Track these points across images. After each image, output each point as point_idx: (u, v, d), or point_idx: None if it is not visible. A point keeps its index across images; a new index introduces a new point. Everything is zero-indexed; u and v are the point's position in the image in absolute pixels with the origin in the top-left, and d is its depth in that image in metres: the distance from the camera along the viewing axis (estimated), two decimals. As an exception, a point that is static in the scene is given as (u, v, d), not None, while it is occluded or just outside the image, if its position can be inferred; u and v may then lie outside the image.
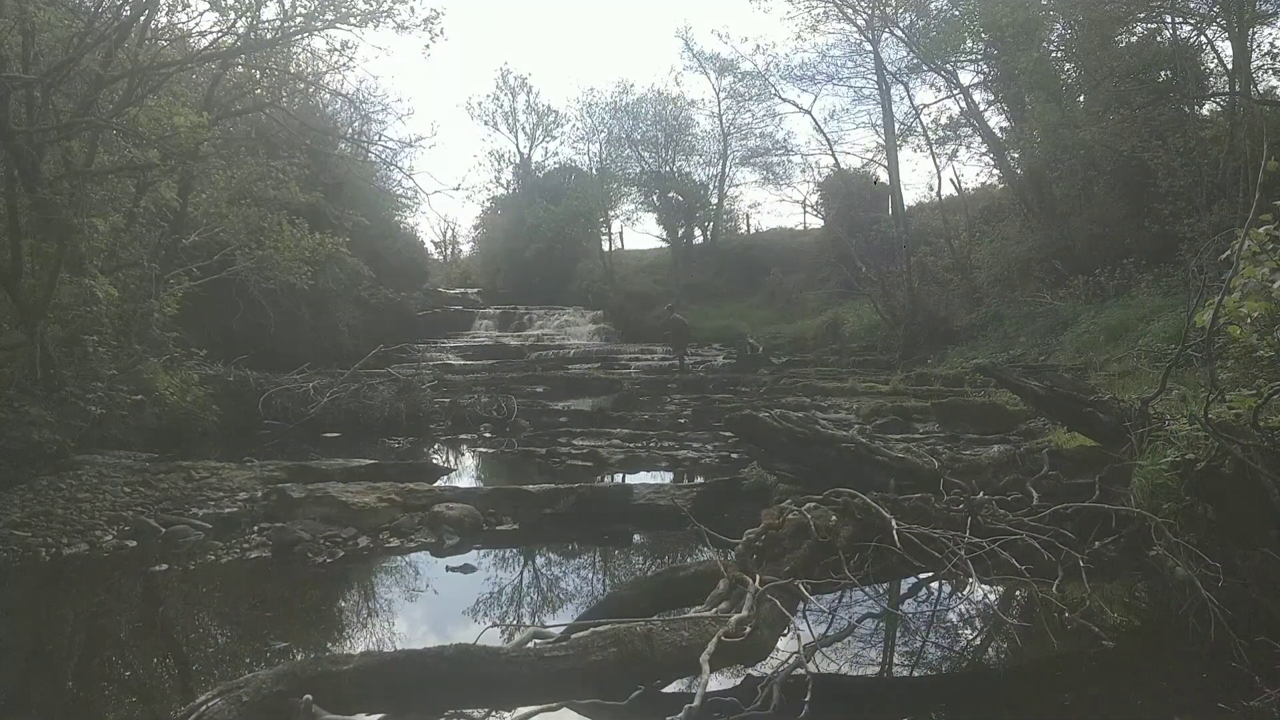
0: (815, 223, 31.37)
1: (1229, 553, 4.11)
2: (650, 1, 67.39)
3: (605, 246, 32.60)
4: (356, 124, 22.35)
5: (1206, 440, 4.33)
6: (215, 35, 11.23)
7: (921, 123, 22.59)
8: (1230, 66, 16.06)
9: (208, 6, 10.49)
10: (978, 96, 22.03)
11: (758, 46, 35.29)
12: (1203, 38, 16.95)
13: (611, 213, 33.05)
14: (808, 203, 31.47)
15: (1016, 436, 9.39)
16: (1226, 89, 16.00)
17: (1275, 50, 17.61)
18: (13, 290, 8.53)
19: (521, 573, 6.01)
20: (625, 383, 17.67)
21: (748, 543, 4.17)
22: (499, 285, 34.80)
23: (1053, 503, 4.60)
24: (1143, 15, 17.21)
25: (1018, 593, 4.80)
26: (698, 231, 33.85)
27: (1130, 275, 15.53)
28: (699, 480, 8.41)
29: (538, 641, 3.43)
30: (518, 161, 38.43)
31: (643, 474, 9.34)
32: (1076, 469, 5.15)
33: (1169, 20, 16.88)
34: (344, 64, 12.62)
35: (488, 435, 12.45)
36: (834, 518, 4.34)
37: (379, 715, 3.16)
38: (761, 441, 5.97)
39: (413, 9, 10.98)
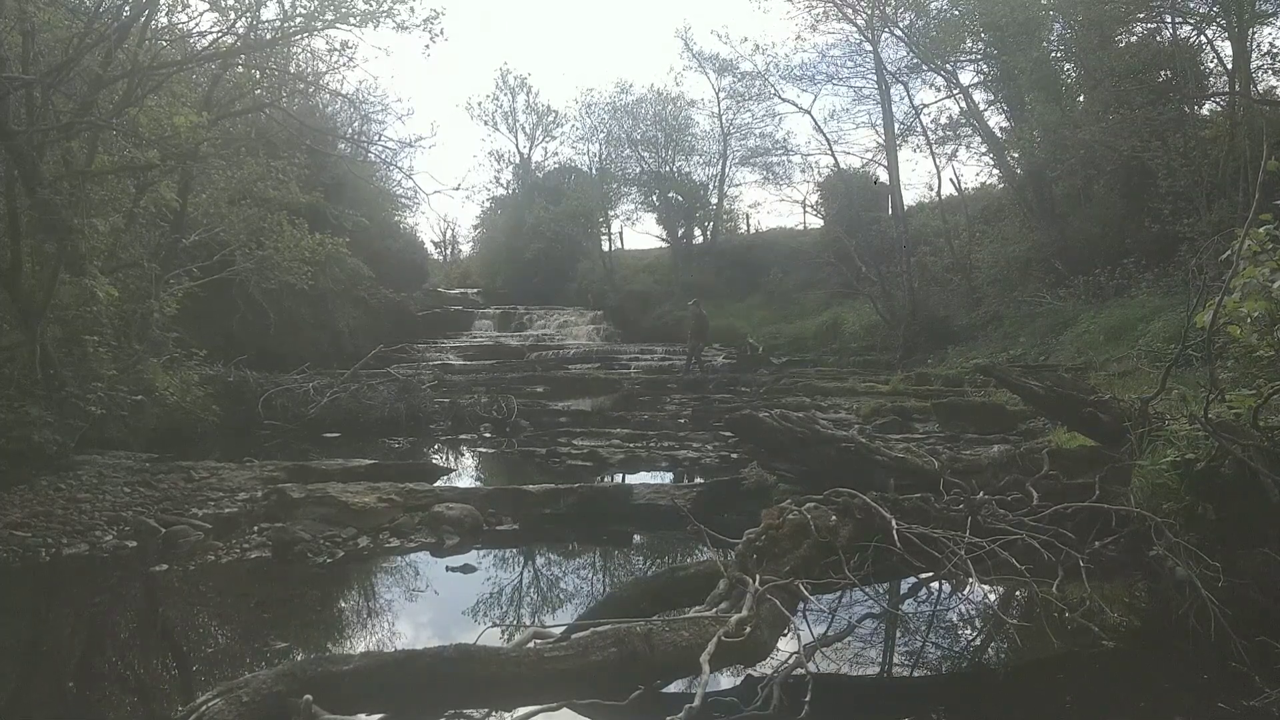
0: (815, 223, 31.36)
1: (1229, 553, 4.11)
2: (650, 1, 67.41)
3: (605, 246, 32.57)
4: (356, 124, 22.40)
5: (1206, 440, 4.33)
6: (215, 35, 11.20)
7: (921, 123, 22.62)
8: (1230, 66, 16.09)
9: (208, 6, 10.46)
10: (978, 96, 22.06)
11: (757, 46, 34.88)
12: (1203, 38, 16.98)
13: (611, 213, 33.01)
14: (808, 203, 31.51)
15: (1016, 436, 9.38)
16: (1226, 89, 16.01)
17: (1275, 50, 17.63)
18: (13, 290, 8.52)
19: (521, 573, 6.01)
20: (625, 383, 17.66)
21: (748, 543, 4.17)
22: (499, 285, 34.79)
23: (1053, 503, 4.60)
24: (1142, 15, 17.23)
25: (1018, 593, 4.80)
26: (698, 231, 33.80)
27: (1130, 275, 15.55)
28: (699, 480, 8.39)
29: (538, 641, 3.43)
30: (517, 161, 38.48)
31: (643, 474, 9.32)
32: (1076, 469, 5.15)
33: (1169, 20, 16.91)
34: (344, 64, 12.61)
35: (488, 435, 12.44)
36: (834, 518, 4.34)
37: (379, 715, 3.16)
38: (761, 441, 5.97)
39: (413, 9, 10.92)
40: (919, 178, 72.81)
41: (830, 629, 4.30)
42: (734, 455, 9.44)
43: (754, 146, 31.39)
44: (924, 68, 21.94)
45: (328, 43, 11.99)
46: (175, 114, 8.99)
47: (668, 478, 9.27)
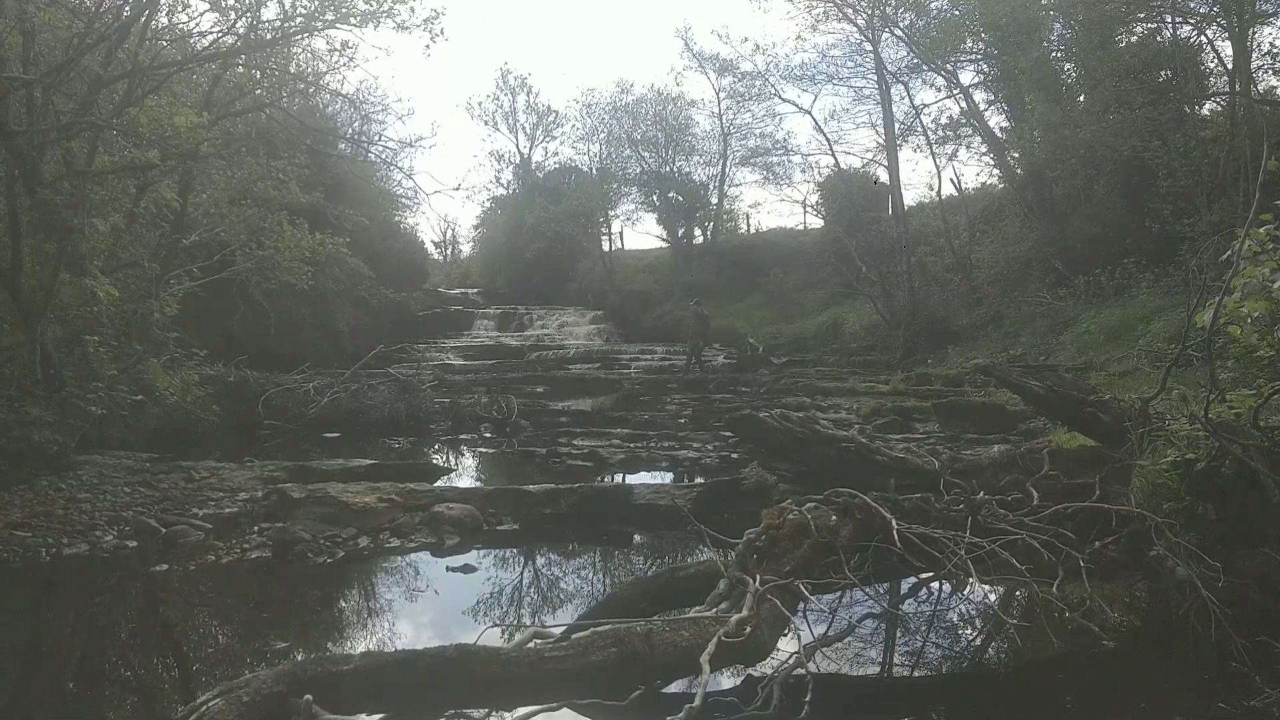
0: (815, 223, 31.40)
1: (1229, 553, 4.11)
2: (650, 1, 67.45)
3: (605, 246, 32.58)
4: (356, 124, 22.40)
5: (1206, 440, 4.32)
6: (215, 35, 11.20)
7: (922, 122, 22.64)
8: (1230, 66, 16.09)
9: (208, 7, 10.46)
10: (978, 96, 22.07)
11: (758, 46, 34.90)
12: (1203, 38, 16.99)
13: (611, 213, 33.03)
14: (808, 203, 31.54)
15: (1016, 436, 9.38)
16: (1226, 89, 16.02)
17: (1275, 50, 17.63)
18: (13, 290, 8.52)
19: (522, 573, 6.01)
20: (625, 383, 17.66)
21: (748, 543, 4.16)
22: (499, 285, 34.81)
23: (1053, 503, 4.60)
24: (1143, 15, 17.23)
25: (1018, 593, 4.80)
26: (698, 231, 33.82)
27: (1130, 275, 15.55)
28: (699, 480, 8.41)
29: (538, 642, 3.43)
30: (518, 161, 38.51)
31: (643, 474, 9.33)
32: (1076, 469, 5.15)
33: (1169, 20, 16.91)
34: (344, 64, 12.60)
35: (488, 435, 12.44)
36: (834, 518, 4.34)
37: (379, 715, 3.16)
38: (761, 441, 5.97)
39: (413, 9, 10.90)
40: (919, 178, 72.75)
41: (830, 629, 4.30)
42: (734, 455, 9.44)
43: (754, 146, 31.47)
44: (924, 68, 21.96)
45: (328, 43, 12.00)
46: (175, 114, 8.98)
47: (668, 478, 9.27)
